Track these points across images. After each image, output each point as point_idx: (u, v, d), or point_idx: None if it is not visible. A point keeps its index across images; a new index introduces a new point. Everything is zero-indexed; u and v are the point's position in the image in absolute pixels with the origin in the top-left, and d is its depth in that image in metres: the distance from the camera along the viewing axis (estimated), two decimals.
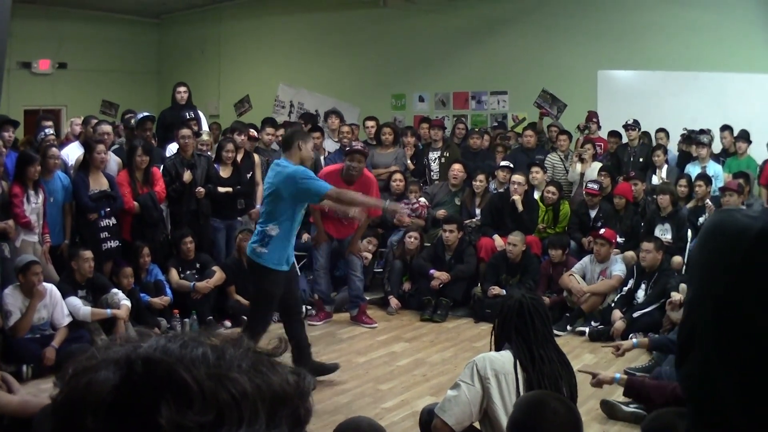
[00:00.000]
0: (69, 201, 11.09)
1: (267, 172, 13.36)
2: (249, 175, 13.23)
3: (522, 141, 15.73)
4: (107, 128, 12.29)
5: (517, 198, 13.06)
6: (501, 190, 13.76)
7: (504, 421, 5.30)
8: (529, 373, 5.34)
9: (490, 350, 5.73)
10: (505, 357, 5.42)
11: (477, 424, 5.61)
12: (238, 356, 1.28)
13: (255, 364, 1.28)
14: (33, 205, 10.37)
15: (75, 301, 9.96)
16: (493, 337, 5.74)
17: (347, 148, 12.03)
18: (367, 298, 12.78)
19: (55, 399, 1.25)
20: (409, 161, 15.25)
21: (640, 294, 11.20)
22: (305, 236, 13.06)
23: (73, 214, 11.16)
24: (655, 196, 12.87)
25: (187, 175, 12.06)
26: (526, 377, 5.34)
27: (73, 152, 11.92)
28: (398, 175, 14.09)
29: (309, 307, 12.30)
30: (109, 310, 10.12)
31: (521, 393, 5.29)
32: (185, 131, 12.44)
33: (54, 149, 11.03)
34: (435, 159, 15.42)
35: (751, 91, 14.93)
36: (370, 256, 13.14)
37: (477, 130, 16.42)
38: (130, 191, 11.51)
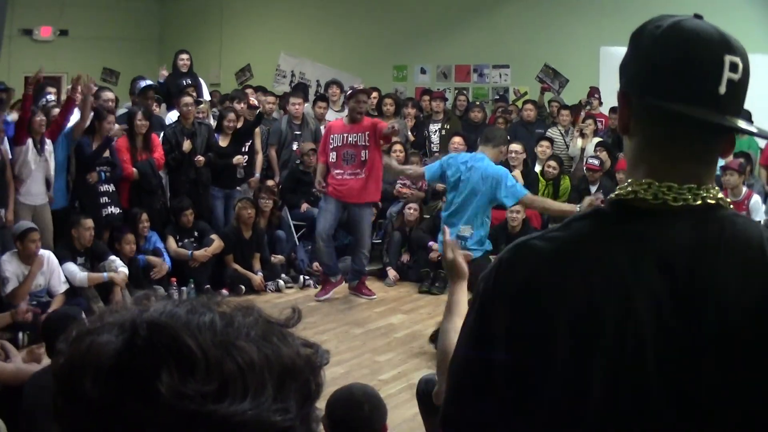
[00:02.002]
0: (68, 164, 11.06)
1: (267, 140, 13.49)
2: (248, 144, 13.16)
3: (522, 114, 15.66)
4: (110, 95, 12.20)
5: (516, 173, 12.99)
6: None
7: None
8: None
9: None
10: None
11: None
12: (248, 325, 1.23)
13: (265, 334, 1.23)
14: (35, 159, 10.31)
15: (72, 267, 9.96)
16: None
17: (349, 91, 11.93)
18: (366, 269, 12.76)
19: (57, 362, 1.21)
20: (409, 133, 15.19)
21: None
22: (304, 206, 13.01)
23: (73, 180, 11.10)
24: None
25: (186, 144, 12.00)
26: None
27: (72, 117, 11.82)
28: (398, 146, 14.00)
29: (307, 277, 12.27)
30: (105, 274, 10.15)
31: None
32: (187, 99, 12.40)
33: (57, 110, 10.97)
34: (435, 131, 15.38)
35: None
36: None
37: (478, 103, 16.32)
38: (129, 157, 11.48)
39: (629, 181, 1.91)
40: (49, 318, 5.98)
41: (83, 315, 5.50)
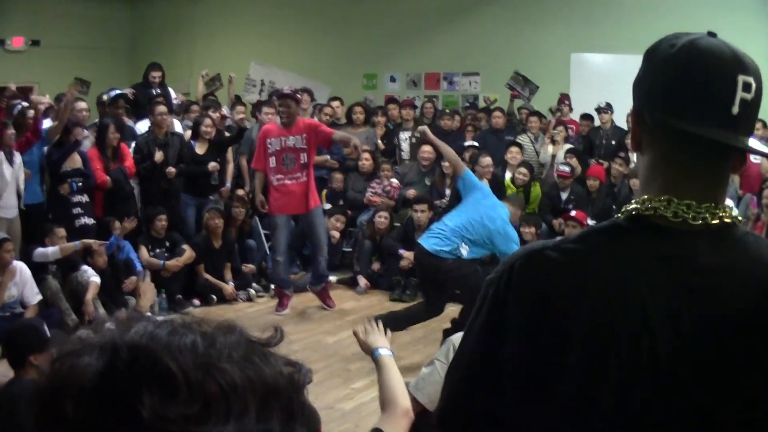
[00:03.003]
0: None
1: (238, 149, 13.43)
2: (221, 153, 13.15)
3: (491, 122, 15.65)
4: (83, 105, 12.16)
5: (484, 182, 12.99)
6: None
7: None
8: None
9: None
10: None
11: None
12: (230, 345, 1.21)
13: (247, 354, 1.21)
14: (9, 172, 10.23)
15: (41, 249, 9.90)
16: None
17: (278, 93, 11.83)
18: (336, 277, 12.73)
19: (38, 383, 1.19)
20: (379, 141, 15.18)
21: None
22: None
23: (48, 189, 11.07)
24: (628, 180, 12.81)
25: (158, 155, 11.95)
26: None
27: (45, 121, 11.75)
28: (366, 155, 13.98)
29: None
30: (77, 243, 10.13)
31: None
32: (161, 108, 12.37)
33: (32, 111, 10.90)
34: (405, 139, 15.38)
35: None
36: (337, 234, 13.07)
37: (448, 111, 16.31)
38: (102, 166, 11.43)
39: (645, 196, 1.91)
40: (11, 330, 5.90)
41: (45, 327, 5.43)
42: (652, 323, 1.79)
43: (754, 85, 1.84)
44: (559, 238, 2.02)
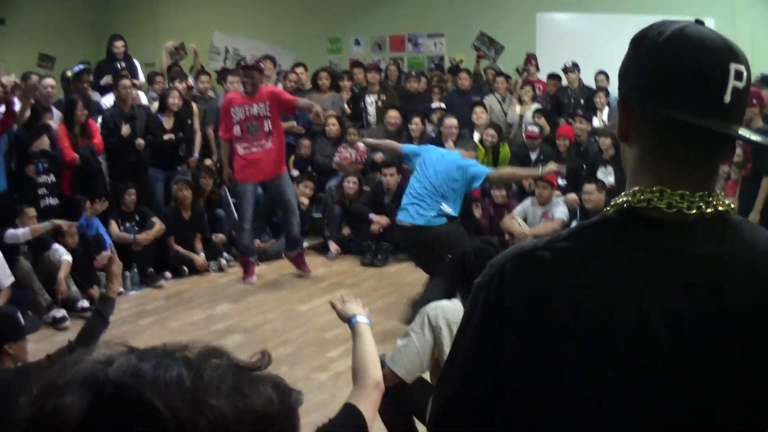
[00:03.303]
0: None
1: (205, 119, 13.36)
2: (188, 124, 13.08)
3: (457, 83, 15.58)
4: (50, 81, 11.95)
5: (449, 144, 12.96)
6: (434, 134, 13.65)
7: None
8: None
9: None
10: (457, 305, 5.38)
11: (427, 375, 5.57)
12: (218, 377, 1.18)
13: (236, 385, 1.19)
14: None
15: (12, 231, 9.80)
16: (448, 283, 5.71)
17: (242, 64, 11.73)
18: (307, 244, 12.67)
19: (20, 418, 1.16)
20: (345, 105, 15.09)
21: None
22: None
23: (15, 171, 10.93)
24: (597, 138, 12.80)
25: (125, 129, 11.86)
26: None
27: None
28: (333, 120, 13.91)
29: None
30: (47, 222, 10.03)
31: None
32: (125, 82, 12.23)
33: None
34: (372, 103, 15.29)
35: None
36: (306, 201, 13.00)
37: (413, 73, 16.24)
38: (70, 144, 11.27)
39: (636, 188, 1.86)
40: None
41: (19, 315, 5.36)
42: (649, 322, 1.76)
43: (745, 74, 1.81)
44: (547, 238, 1.93)
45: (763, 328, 1.76)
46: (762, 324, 1.76)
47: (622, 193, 1.90)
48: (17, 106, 10.84)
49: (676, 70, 1.79)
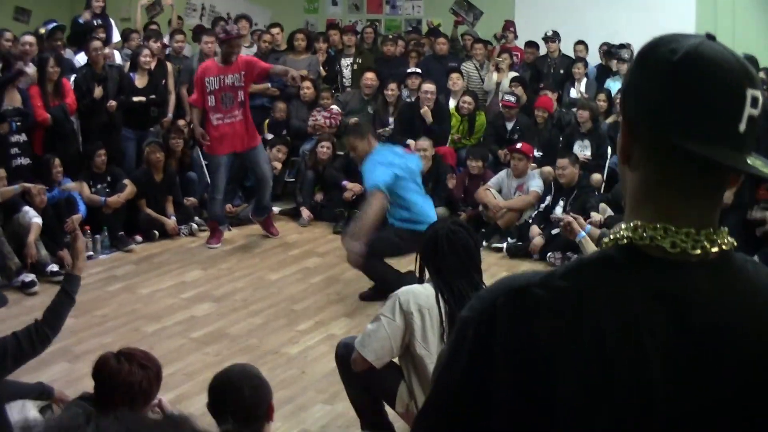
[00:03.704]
0: None
1: (179, 79, 13.24)
2: (162, 83, 12.92)
3: (435, 48, 15.46)
4: (30, 39, 11.71)
5: (425, 110, 12.89)
6: (413, 98, 13.57)
7: (425, 356, 5.21)
8: (451, 305, 5.22)
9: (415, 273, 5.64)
10: (429, 290, 5.33)
11: (397, 360, 5.52)
12: None
13: None
14: None
15: None
16: (417, 266, 5.62)
17: (222, 35, 11.37)
18: (279, 208, 12.61)
19: None
20: (321, 68, 14.96)
21: (558, 211, 10.98)
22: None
23: None
24: (575, 110, 12.73)
25: (97, 91, 11.70)
26: (448, 310, 5.22)
27: None
28: (307, 83, 13.78)
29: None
30: (17, 186, 9.92)
31: (444, 327, 5.20)
32: (95, 43, 12.04)
33: None
34: (347, 66, 15.19)
35: (674, 7, 14.89)
36: (279, 165, 12.88)
37: (391, 37, 16.09)
38: (42, 104, 11.11)
39: (639, 223, 1.76)
40: None
41: None
42: (647, 364, 1.68)
43: (761, 99, 1.70)
44: (542, 273, 1.82)
45: (763, 371, 1.69)
46: (763, 367, 1.69)
47: (623, 226, 1.80)
48: None
49: (690, 96, 1.67)
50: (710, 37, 1.74)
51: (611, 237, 1.80)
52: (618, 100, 12.52)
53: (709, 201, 1.77)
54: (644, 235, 1.73)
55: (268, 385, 4.38)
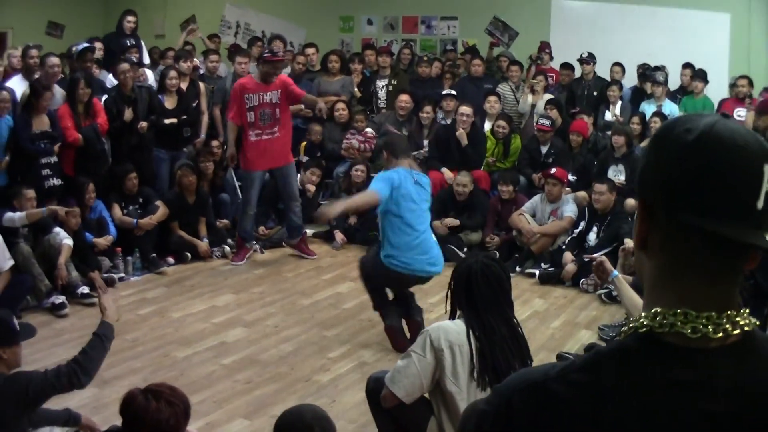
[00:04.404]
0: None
1: (212, 99, 13.30)
2: (194, 104, 12.90)
3: (470, 70, 15.40)
4: (55, 60, 11.67)
5: (461, 132, 12.84)
6: (448, 120, 13.52)
7: (455, 393, 5.15)
8: (482, 342, 5.17)
9: (446, 311, 5.58)
10: (460, 327, 5.27)
11: (427, 395, 5.46)
12: None
13: None
14: None
15: (9, 214, 9.65)
16: (448, 302, 5.56)
17: (267, 55, 11.64)
18: (313, 231, 12.59)
19: None
20: (356, 89, 14.94)
21: (592, 237, 10.96)
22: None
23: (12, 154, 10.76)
24: (609, 135, 12.61)
25: (128, 114, 11.66)
26: (479, 347, 5.16)
27: (16, 86, 11.38)
28: (341, 104, 13.82)
29: (253, 242, 12.03)
30: (44, 209, 9.81)
31: (475, 363, 5.14)
32: (123, 66, 12.02)
33: (4, 93, 10.60)
34: (382, 87, 15.14)
35: (709, 30, 14.80)
36: (313, 188, 12.88)
37: (426, 58, 16.02)
38: (73, 124, 11.11)
39: (658, 310, 1.70)
40: None
41: (14, 320, 5.26)
42: None
43: None
44: (559, 365, 1.77)
45: None
46: None
47: (642, 314, 1.74)
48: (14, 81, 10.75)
49: (707, 176, 1.62)
50: (725, 116, 1.69)
51: (630, 326, 1.74)
52: (653, 122, 12.48)
53: (729, 282, 1.71)
54: (664, 322, 1.68)
55: (335, 428, 4.32)
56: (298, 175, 12.31)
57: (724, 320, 1.66)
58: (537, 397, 1.73)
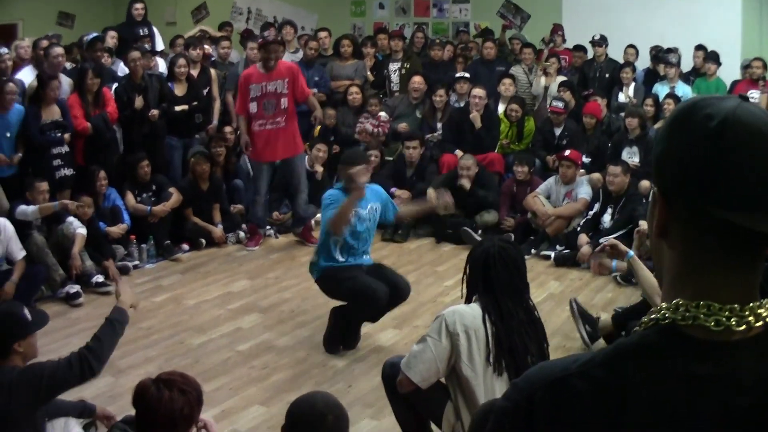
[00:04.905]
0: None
1: (224, 85, 13.28)
2: (206, 91, 12.88)
3: (482, 53, 15.36)
4: (59, 50, 11.63)
5: (475, 115, 12.81)
6: (461, 103, 13.49)
7: (471, 378, 5.13)
8: (498, 327, 5.14)
9: (461, 297, 5.54)
10: (475, 311, 5.24)
11: (443, 380, 5.43)
12: None
13: None
14: None
15: (23, 207, 9.65)
16: (464, 286, 5.52)
17: (260, 40, 11.90)
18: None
19: None
20: (369, 73, 14.90)
21: (606, 219, 10.91)
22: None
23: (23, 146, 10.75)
24: (623, 117, 12.57)
25: (138, 101, 11.68)
26: (495, 332, 5.13)
27: (25, 77, 11.45)
28: (354, 88, 13.78)
29: (268, 227, 12.02)
30: (56, 203, 9.77)
31: (491, 348, 5.11)
32: (134, 54, 12.01)
33: (11, 85, 10.58)
34: (395, 70, 15.08)
35: (721, 13, 14.73)
36: (321, 168, 12.73)
37: (438, 41, 15.96)
38: (82, 113, 11.10)
39: (680, 302, 1.65)
40: None
41: (25, 311, 5.23)
42: None
43: None
44: (580, 359, 1.73)
45: None
46: None
47: (663, 305, 1.69)
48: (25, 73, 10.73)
49: (732, 165, 1.55)
50: (743, 98, 1.63)
51: (651, 317, 1.69)
52: (666, 104, 12.40)
53: (752, 273, 1.66)
54: (687, 314, 1.63)
55: (347, 416, 4.30)
56: (306, 156, 12.28)
57: (747, 312, 1.61)
58: (558, 393, 1.70)
